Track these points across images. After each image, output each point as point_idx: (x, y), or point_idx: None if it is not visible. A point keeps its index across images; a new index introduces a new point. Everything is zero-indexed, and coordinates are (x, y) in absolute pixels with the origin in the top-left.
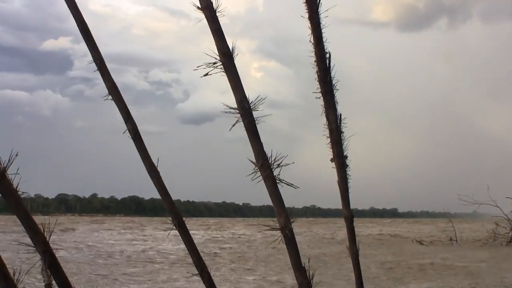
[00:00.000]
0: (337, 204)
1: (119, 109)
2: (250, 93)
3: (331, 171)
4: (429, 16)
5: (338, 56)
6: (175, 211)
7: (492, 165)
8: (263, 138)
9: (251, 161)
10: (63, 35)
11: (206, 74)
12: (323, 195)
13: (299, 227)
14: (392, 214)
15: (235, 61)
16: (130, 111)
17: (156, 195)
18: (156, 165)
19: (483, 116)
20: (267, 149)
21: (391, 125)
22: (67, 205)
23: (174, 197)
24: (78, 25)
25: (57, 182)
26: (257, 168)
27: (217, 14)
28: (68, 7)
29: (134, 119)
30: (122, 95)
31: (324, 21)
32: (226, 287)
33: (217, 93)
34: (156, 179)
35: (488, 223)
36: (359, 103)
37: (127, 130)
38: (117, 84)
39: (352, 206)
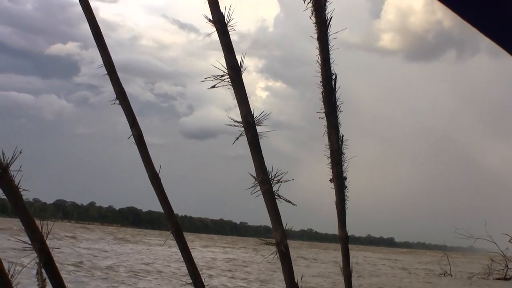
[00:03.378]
0: (335, 229)
1: (126, 114)
2: (255, 111)
3: (329, 195)
4: (438, 48)
5: (343, 78)
6: (173, 219)
7: (491, 200)
8: (264, 155)
9: (251, 175)
10: (71, 40)
11: (213, 86)
12: (320, 219)
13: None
14: (389, 243)
15: (242, 76)
16: None
17: (154, 207)
18: (158, 173)
19: (483, 149)
20: (267, 165)
21: (391, 151)
22: (65, 211)
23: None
24: (91, 28)
25: (56, 187)
26: (257, 182)
27: (228, 28)
28: (83, 9)
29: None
30: None
31: (332, 43)
32: None
33: (221, 109)
34: (157, 186)
35: (483, 259)
36: (361, 127)
37: (132, 136)
38: None
39: (349, 232)
